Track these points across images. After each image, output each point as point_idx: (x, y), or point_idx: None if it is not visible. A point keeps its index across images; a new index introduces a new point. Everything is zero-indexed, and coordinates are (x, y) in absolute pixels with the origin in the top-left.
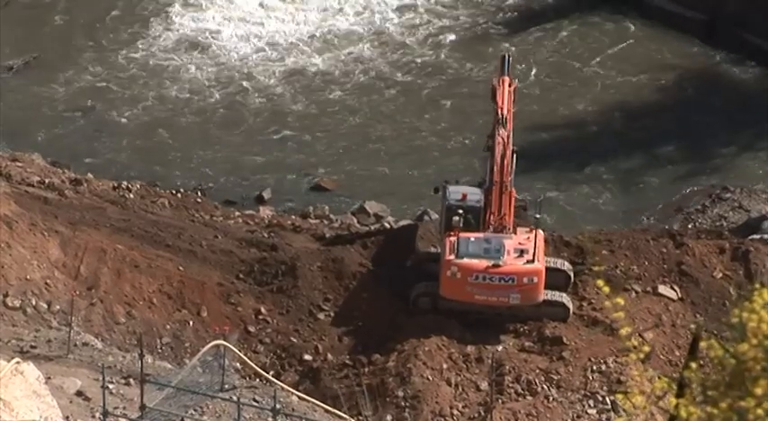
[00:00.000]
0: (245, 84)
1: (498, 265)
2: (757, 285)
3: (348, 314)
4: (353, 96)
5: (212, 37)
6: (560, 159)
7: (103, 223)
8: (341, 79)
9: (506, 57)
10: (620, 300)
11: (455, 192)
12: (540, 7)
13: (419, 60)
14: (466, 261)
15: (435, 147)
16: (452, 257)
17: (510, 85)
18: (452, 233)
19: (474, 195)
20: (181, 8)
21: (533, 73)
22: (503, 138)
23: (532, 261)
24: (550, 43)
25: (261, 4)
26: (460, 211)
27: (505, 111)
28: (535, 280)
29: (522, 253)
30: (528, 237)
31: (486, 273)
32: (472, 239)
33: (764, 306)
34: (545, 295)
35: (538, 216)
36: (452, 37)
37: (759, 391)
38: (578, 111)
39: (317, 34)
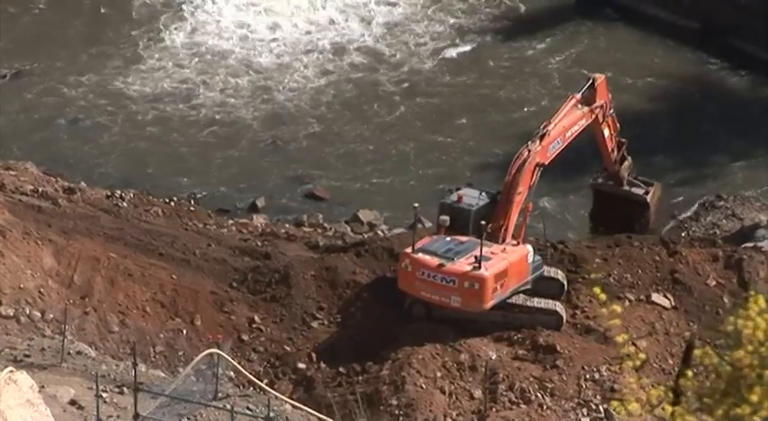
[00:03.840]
0: (240, 94)
1: (443, 265)
2: (752, 292)
3: (342, 322)
4: (346, 107)
5: (206, 49)
6: (554, 167)
7: (97, 232)
8: (334, 90)
9: (591, 80)
10: (617, 308)
11: (460, 193)
12: (534, 16)
13: (413, 72)
14: (419, 256)
15: (428, 158)
16: (409, 250)
17: (596, 107)
18: (439, 231)
19: (471, 199)
20: (175, 21)
21: (525, 80)
22: (528, 151)
23: (478, 267)
24: (545, 51)
25: (260, 14)
26: (446, 211)
27: (550, 127)
28: (477, 286)
29: (475, 259)
30: (504, 249)
31: (431, 271)
32: (446, 239)
33: (760, 313)
34: (539, 303)
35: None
36: (446, 48)
37: (754, 398)
38: None
39: (313, 47)
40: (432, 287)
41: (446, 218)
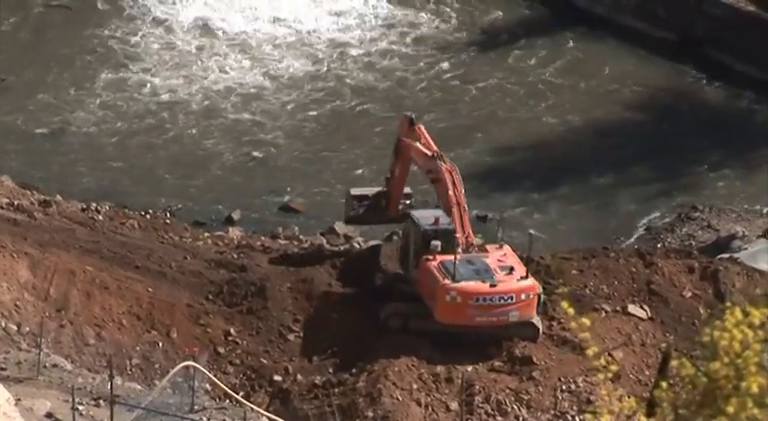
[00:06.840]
0: (213, 107)
1: (495, 285)
2: (729, 303)
3: (318, 335)
4: (321, 120)
5: (181, 62)
6: (530, 178)
7: (73, 245)
8: (308, 104)
9: (411, 118)
10: (586, 321)
11: (425, 216)
12: (511, 27)
13: (386, 86)
14: (464, 285)
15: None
16: (448, 282)
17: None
18: (429, 257)
19: (444, 218)
20: (151, 35)
21: (505, 92)
22: (448, 166)
23: (526, 277)
24: (521, 62)
25: (232, 32)
26: (432, 235)
27: (435, 148)
28: (531, 295)
29: (510, 270)
30: (504, 254)
31: (486, 294)
32: (459, 262)
33: (737, 324)
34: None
35: (500, 234)
36: (427, 66)
37: (731, 410)
38: (548, 129)
39: (285, 60)
40: (489, 310)
41: (438, 242)
